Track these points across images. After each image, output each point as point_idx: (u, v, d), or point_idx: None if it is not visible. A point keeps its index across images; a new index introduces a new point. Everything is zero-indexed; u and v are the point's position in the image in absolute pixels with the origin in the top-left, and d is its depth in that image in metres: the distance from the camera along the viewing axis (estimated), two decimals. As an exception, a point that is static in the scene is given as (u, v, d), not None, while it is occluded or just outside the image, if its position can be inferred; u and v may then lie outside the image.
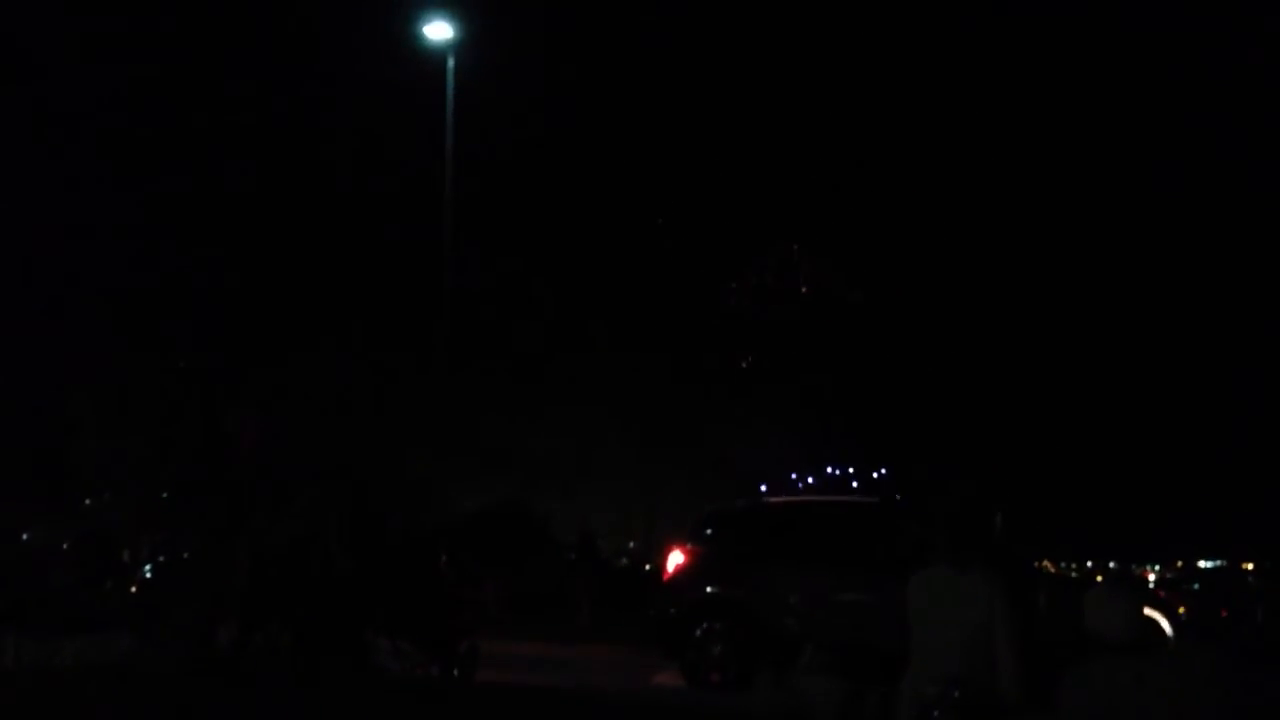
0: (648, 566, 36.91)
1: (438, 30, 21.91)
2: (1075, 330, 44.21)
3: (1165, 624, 11.69)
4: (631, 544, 43.48)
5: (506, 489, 24.37)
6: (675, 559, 13.17)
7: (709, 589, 12.60)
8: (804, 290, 42.93)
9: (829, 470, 49.68)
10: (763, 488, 39.05)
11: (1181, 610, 19.54)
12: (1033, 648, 4.98)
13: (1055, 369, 43.55)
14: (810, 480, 48.51)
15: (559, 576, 22.47)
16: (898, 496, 14.65)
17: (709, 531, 13.36)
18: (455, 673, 10.20)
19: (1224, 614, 25.03)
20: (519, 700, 10.17)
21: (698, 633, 12.23)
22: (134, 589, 14.56)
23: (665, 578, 13.33)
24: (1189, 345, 42.31)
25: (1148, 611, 11.62)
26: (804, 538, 12.56)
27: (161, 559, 13.75)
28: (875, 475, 52.06)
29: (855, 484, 50.43)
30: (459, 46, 22.01)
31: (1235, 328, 41.97)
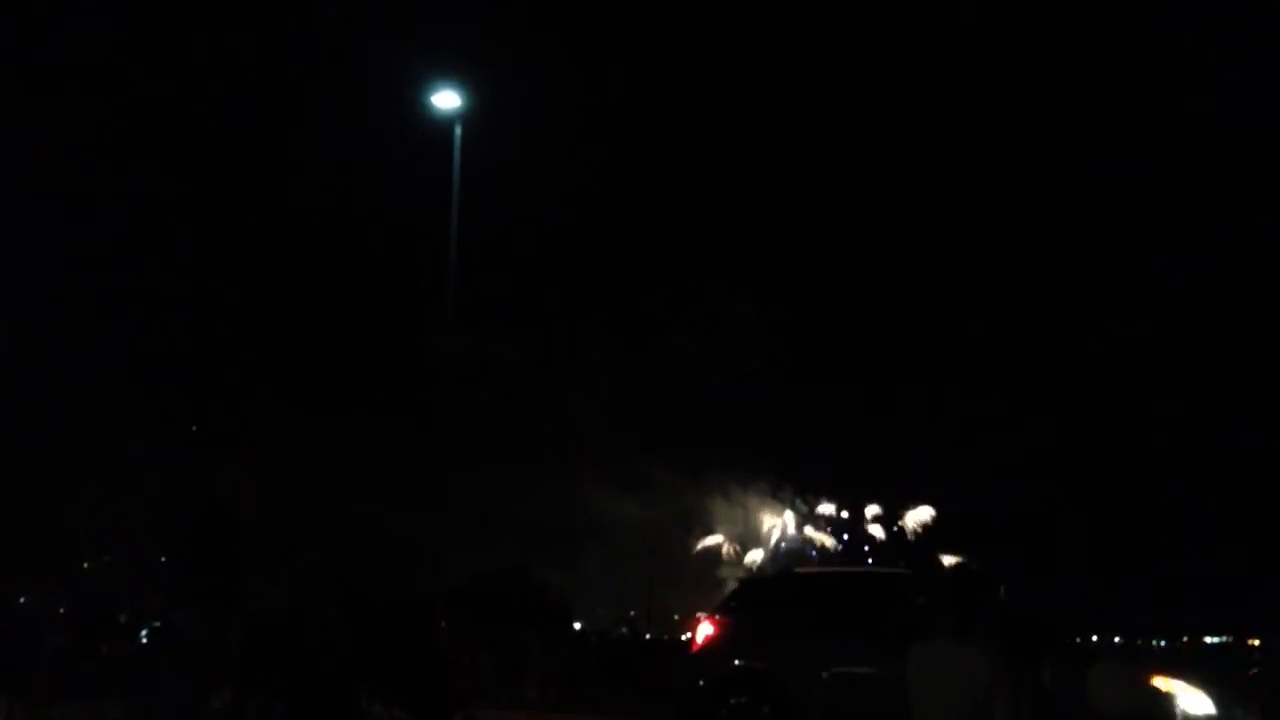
0: (648, 635, 36.55)
1: (446, 100, 22.11)
2: (1082, 401, 44.15)
3: (1208, 703, 11.20)
4: (632, 612, 43.17)
5: (505, 556, 24.22)
6: (704, 630, 12.97)
7: (738, 661, 12.36)
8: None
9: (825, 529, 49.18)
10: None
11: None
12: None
13: (1063, 439, 43.37)
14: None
15: (557, 645, 22.23)
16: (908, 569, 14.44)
17: (739, 602, 13.19)
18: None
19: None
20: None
21: (725, 706, 11.99)
22: (128, 654, 14.42)
23: (694, 649, 13.11)
24: (1199, 419, 42.22)
25: (1194, 691, 11.19)
26: (833, 609, 12.28)
27: (156, 624, 13.63)
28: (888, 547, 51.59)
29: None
30: (467, 115, 22.18)
31: (1248, 398, 41.90)
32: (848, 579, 13.73)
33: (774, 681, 11.92)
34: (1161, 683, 11.16)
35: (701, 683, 12.41)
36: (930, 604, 5.22)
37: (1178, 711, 11.03)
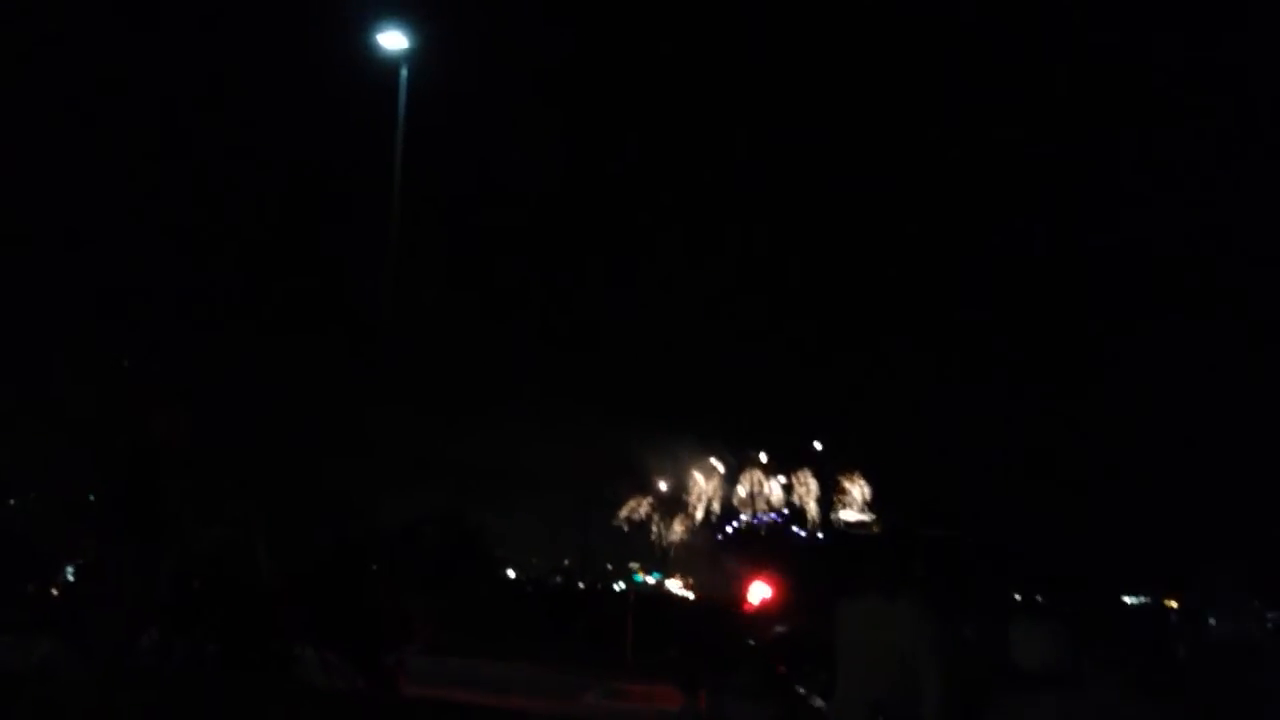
0: (582, 585, 36.76)
1: (392, 40, 21.71)
2: (1010, 360, 44.78)
3: None
4: (566, 561, 43.41)
5: (439, 499, 24.22)
6: (758, 592, 12.94)
7: (783, 628, 12.30)
8: None
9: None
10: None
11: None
12: (958, 677, 5.03)
13: (992, 409, 43.97)
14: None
15: (493, 592, 22.33)
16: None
17: (791, 565, 13.23)
18: (381, 686, 10.09)
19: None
20: (443, 715, 10.09)
21: (776, 669, 11.96)
22: (55, 592, 14.25)
23: (746, 609, 13.10)
24: (1123, 382, 42.99)
25: None
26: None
27: (82, 562, 13.47)
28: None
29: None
30: (414, 57, 21.79)
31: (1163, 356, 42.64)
32: (894, 538, 13.63)
33: (824, 646, 11.81)
34: None
35: (752, 643, 12.43)
36: (866, 562, 5.30)
37: None
